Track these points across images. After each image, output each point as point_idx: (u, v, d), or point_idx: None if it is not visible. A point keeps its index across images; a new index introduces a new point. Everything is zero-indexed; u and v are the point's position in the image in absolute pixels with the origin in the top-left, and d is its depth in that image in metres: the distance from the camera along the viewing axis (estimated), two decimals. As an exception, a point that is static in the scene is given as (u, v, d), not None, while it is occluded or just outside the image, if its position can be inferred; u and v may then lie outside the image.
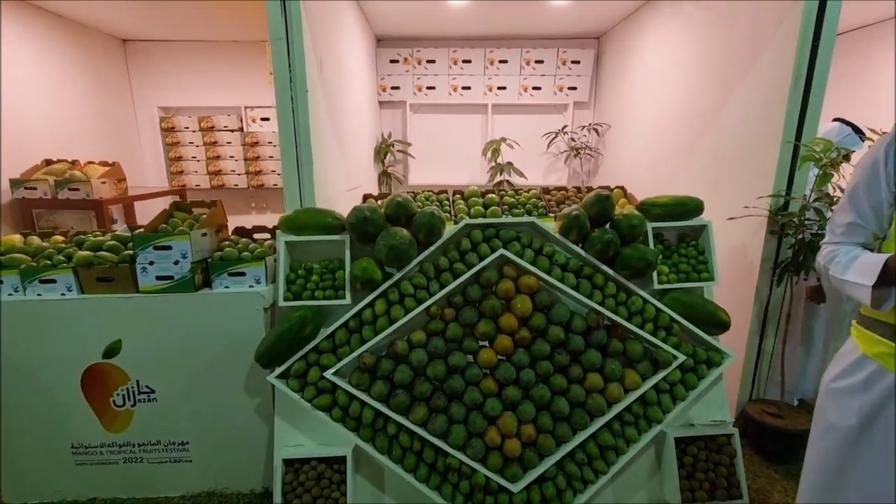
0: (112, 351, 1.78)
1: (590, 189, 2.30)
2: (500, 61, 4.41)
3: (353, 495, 1.64)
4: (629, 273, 1.71)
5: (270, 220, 2.38)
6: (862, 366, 1.11)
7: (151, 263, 1.73)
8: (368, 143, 4.14)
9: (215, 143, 4.21)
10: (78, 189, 2.81)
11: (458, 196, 2.48)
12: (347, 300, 1.67)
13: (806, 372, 2.31)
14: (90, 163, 3.13)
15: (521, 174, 4.46)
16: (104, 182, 2.94)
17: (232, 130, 4.19)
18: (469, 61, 4.42)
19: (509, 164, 4.47)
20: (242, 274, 1.78)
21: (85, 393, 1.81)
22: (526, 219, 1.75)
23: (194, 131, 4.18)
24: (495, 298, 1.66)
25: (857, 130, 2.29)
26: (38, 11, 3.10)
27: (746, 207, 2.08)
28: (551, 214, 2.33)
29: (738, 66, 2.33)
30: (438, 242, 1.70)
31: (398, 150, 4.64)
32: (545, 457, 1.64)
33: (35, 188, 2.77)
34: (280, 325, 1.65)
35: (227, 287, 1.78)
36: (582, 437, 1.65)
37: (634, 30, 3.67)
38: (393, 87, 4.50)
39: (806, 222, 1.96)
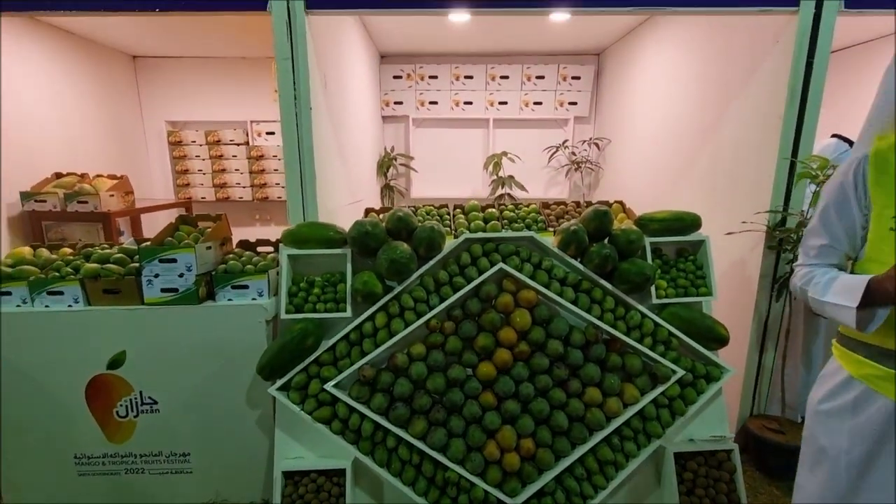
0: (116, 362, 1.81)
1: (589, 203, 2.32)
2: (502, 77, 4.48)
3: (352, 509, 1.65)
4: (627, 287, 1.72)
5: (275, 232, 2.42)
6: (849, 387, 1.10)
7: (157, 276, 1.76)
8: (371, 156, 4.21)
9: (221, 156, 4.28)
10: (86, 202, 2.86)
11: (458, 210, 2.52)
12: (348, 313, 1.70)
13: (808, 387, 2.30)
14: (99, 176, 3.19)
15: (522, 187, 4.50)
16: (112, 195, 2.99)
17: (238, 144, 4.26)
18: (471, 77, 4.49)
19: (511, 177, 4.51)
20: (245, 287, 1.81)
21: (89, 403, 1.83)
22: (525, 233, 1.77)
23: (201, 145, 4.25)
24: (494, 312, 1.68)
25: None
26: (51, 29, 3.19)
27: (745, 223, 2.10)
28: (550, 229, 2.35)
29: (735, 83, 2.37)
30: (438, 256, 1.72)
31: (401, 164, 4.70)
32: (544, 471, 1.64)
33: (45, 201, 2.82)
34: (282, 338, 1.67)
35: (230, 299, 1.81)
36: (581, 451, 1.65)
37: (634, 46, 3.73)
38: (396, 102, 4.57)
39: (803, 238, 1.98)
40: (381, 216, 2.27)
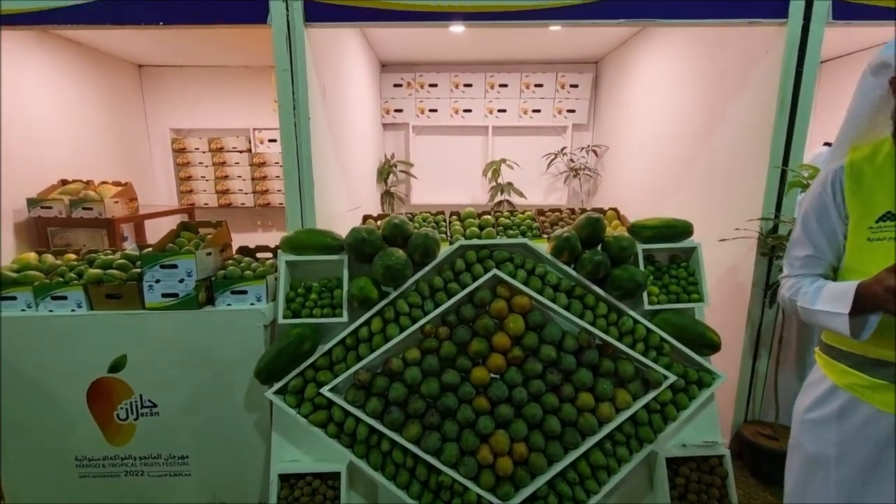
0: (118, 365, 1.84)
1: (584, 211, 2.36)
2: (501, 85, 4.54)
3: (346, 512, 1.67)
4: (620, 294, 1.75)
5: (276, 237, 2.45)
6: (833, 396, 1.11)
7: (158, 281, 1.80)
8: (371, 163, 4.26)
9: (224, 163, 4.34)
10: (91, 208, 2.91)
11: (454, 217, 2.55)
12: (345, 318, 1.73)
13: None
14: (104, 183, 3.25)
15: (521, 194, 4.54)
16: (116, 201, 3.04)
17: (240, 151, 4.33)
18: (470, 85, 4.55)
19: (509, 184, 4.56)
20: (244, 292, 1.84)
21: (90, 406, 1.86)
22: (519, 240, 1.80)
23: (204, 152, 4.32)
24: (488, 318, 1.71)
25: (846, 155, 2.33)
26: (59, 40, 3.27)
27: (737, 229, 2.13)
28: (545, 236, 2.38)
29: (728, 92, 2.41)
30: (433, 263, 1.76)
31: (401, 171, 4.75)
32: (537, 476, 1.66)
33: (51, 207, 2.88)
34: (279, 342, 1.70)
35: (229, 304, 1.85)
36: (574, 456, 1.66)
37: (630, 55, 3.78)
38: (396, 110, 4.63)
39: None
40: (377, 223, 2.31)
